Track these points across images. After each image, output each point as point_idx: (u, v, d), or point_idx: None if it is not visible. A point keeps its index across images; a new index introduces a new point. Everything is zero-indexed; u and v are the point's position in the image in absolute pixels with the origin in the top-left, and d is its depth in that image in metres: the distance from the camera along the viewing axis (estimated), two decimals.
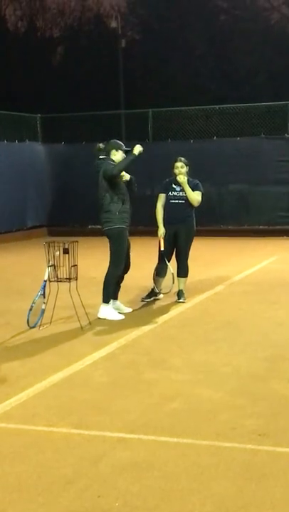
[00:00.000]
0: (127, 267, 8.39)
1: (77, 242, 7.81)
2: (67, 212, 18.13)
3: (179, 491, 3.88)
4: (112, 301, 8.24)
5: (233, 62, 33.48)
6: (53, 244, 7.82)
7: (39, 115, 18.90)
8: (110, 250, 8.28)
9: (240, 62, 33.33)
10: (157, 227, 9.07)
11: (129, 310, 8.48)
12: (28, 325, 7.65)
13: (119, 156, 8.15)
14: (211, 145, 17.09)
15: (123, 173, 8.21)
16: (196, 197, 8.93)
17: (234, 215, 17.28)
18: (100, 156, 8.24)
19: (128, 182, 8.30)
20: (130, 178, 8.33)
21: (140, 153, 8.15)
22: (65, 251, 7.77)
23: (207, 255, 13.20)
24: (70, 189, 17.96)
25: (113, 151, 8.18)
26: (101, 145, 8.36)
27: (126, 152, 8.25)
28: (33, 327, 7.66)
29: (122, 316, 8.14)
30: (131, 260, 8.46)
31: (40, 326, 7.70)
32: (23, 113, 18.86)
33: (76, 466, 4.20)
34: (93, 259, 12.69)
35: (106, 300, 8.17)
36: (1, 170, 16.60)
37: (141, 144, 8.27)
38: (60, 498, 3.81)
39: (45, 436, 4.70)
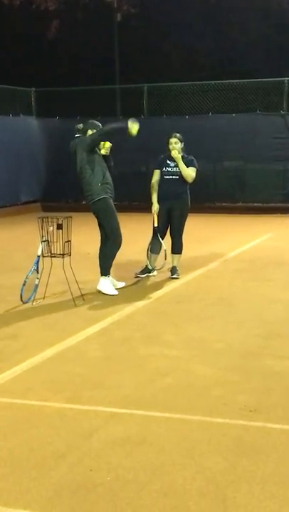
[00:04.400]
0: None
1: (70, 217, 7.78)
2: (61, 187, 18.05)
3: (170, 466, 3.90)
4: (103, 278, 8.20)
5: (230, 39, 33.19)
6: (47, 220, 7.79)
7: (33, 89, 18.76)
8: (102, 225, 8.24)
9: (237, 39, 33.05)
10: (151, 203, 9.05)
11: (123, 284, 8.49)
12: (22, 300, 7.65)
13: None
14: (207, 121, 17.00)
15: (105, 143, 8.12)
16: (190, 173, 8.89)
17: (229, 192, 17.25)
18: (76, 135, 8.25)
19: (104, 158, 8.21)
20: (107, 153, 8.21)
21: (132, 133, 8.01)
22: (59, 226, 7.74)
23: (201, 232, 13.20)
24: (64, 164, 17.75)
25: (89, 131, 8.18)
26: (80, 125, 8.37)
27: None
28: (27, 302, 7.66)
29: (116, 292, 8.14)
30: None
31: (33, 301, 7.69)
32: (18, 87, 18.69)
33: (68, 441, 4.22)
34: (87, 234, 12.66)
35: (105, 273, 8.14)
36: None
37: (136, 121, 8.07)
38: (52, 472, 3.83)
39: (38, 411, 4.71)
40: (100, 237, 8.41)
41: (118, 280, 8.55)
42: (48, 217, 7.82)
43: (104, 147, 8.21)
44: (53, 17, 41.58)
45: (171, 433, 4.33)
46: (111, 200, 8.16)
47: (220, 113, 17.20)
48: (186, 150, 9.15)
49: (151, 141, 15.79)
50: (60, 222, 7.75)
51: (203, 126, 16.78)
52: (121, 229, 8.26)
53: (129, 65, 31.07)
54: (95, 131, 8.15)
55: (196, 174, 8.99)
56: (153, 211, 9.02)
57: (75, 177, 19.17)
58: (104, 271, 8.16)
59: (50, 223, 7.83)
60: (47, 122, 18.31)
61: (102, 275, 8.17)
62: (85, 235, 12.06)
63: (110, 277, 8.24)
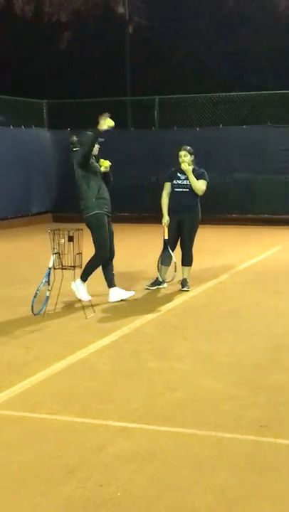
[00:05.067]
0: (111, 254, 8.35)
1: (81, 230, 7.82)
2: (73, 198, 17.96)
3: (180, 482, 3.90)
4: (82, 286, 8.17)
5: (241, 51, 33.29)
6: (58, 232, 7.83)
7: (45, 101, 18.85)
8: (92, 239, 8.25)
9: (248, 50, 33.14)
10: (162, 215, 9.08)
11: (132, 293, 8.50)
12: (33, 312, 7.67)
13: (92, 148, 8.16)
14: (217, 133, 17.03)
15: (104, 162, 8.26)
16: (200, 186, 8.92)
17: (239, 204, 17.25)
18: (74, 149, 8.32)
19: (104, 174, 8.33)
20: (107, 171, 8.34)
21: (103, 128, 8.06)
22: (70, 239, 7.79)
23: (212, 244, 13.20)
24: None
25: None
26: (74, 138, 8.45)
27: (100, 144, 8.36)
28: (38, 314, 7.68)
29: (89, 297, 8.10)
30: (115, 248, 8.42)
31: (44, 313, 7.72)
32: (30, 99, 18.81)
33: (78, 455, 4.23)
34: None
35: (83, 278, 8.16)
36: (7, 156, 16.58)
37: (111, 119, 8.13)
38: (62, 487, 3.84)
39: (48, 425, 4.72)
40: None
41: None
42: (59, 230, 7.86)
43: (103, 165, 8.30)
44: (64, 29, 41.89)
45: (180, 448, 4.33)
46: (104, 216, 8.21)
47: (230, 125, 17.24)
48: (197, 162, 9.18)
49: (162, 152, 15.85)
50: (71, 234, 7.79)
51: (214, 138, 16.81)
52: (108, 245, 8.24)
53: (140, 77, 31.20)
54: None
55: (207, 187, 9.01)
56: (163, 223, 9.04)
57: None
58: (83, 276, 8.15)
59: (61, 235, 7.87)
60: (59, 134, 18.37)
61: (80, 277, 8.16)
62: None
63: (112, 289, 8.28)
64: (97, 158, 8.37)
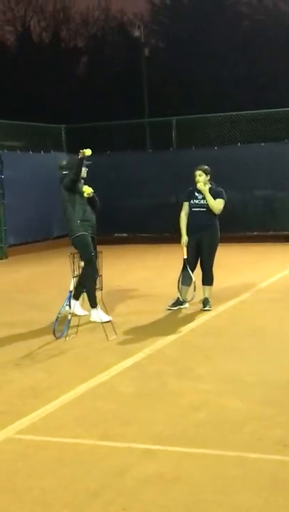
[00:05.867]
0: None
1: (101, 252, 7.84)
2: None
3: (204, 503, 3.87)
4: (77, 303, 8.32)
5: (257, 68, 33.40)
6: (78, 255, 7.86)
7: (64, 125, 19.02)
8: (81, 258, 8.29)
9: (264, 68, 33.24)
10: (181, 235, 9.08)
11: (86, 313, 8.45)
12: (54, 336, 7.69)
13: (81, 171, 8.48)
14: (235, 151, 17.04)
15: (86, 189, 8.49)
16: (217, 205, 8.91)
17: (259, 221, 17.19)
18: (64, 172, 8.64)
19: (89, 199, 8.53)
20: (92, 195, 8.53)
21: (86, 154, 8.36)
22: None
23: (232, 262, 13.16)
24: None
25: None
26: (63, 162, 8.90)
27: (88, 167, 8.70)
28: (60, 338, 7.69)
29: (109, 317, 8.12)
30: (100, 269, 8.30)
31: (66, 336, 7.72)
32: (48, 124, 18.99)
33: (101, 479, 4.20)
34: (118, 268, 12.74)
35: (93, 305, 8.27)
36: (27, 180, 16.72)
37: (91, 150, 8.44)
38: (86, 511, 3.82)
39: (71, 449, 4.71)
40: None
41: (149, 315, 8.52)
42: (79, 253, 7.88)
43: (85, 192, 8.49)
44: (81, 54, 42.36)
45: (204, 470, 4.29)
46: (88, 237, 8.42)
47: (249, 143, 17.25)
48: (216, 180, 9.18)
49: (181, 173, 15.86)
50: None
51: (233, 156, 16.82)
52: (94, 262, 8.28)
53: (157, 98, 31.39)
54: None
55: (225, 205, 9.00)
56: (182, 243, 9.05)
57: (105, 210, 19.30)
58: (92, 303, 8.28)
59: (81, 259, 7.89)
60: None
61: (91, 308, 8.30)
62: (116, 268, 12.14)
63: (73, 302, 8.25)
64: (85, 181, 8.64)
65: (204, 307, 8.96)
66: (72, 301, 8.20)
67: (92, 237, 8.48)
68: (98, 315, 8.16)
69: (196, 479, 4.16)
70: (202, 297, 9.07)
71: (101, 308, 8.21)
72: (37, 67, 36.17)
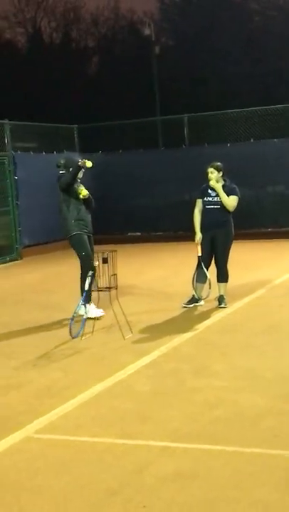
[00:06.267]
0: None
1: (115, 251, 7.86)
2: (106, 220, 18.18)
3: (223, 500, 3.87)
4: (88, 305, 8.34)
5: (269, 64, 33.29)
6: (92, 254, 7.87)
7: (76, 125, 19.05)
8: (78, 257, 8.67)
9: (275, 64, 33.13)
10: (195, 232, 9.08)
11: (102, 313, 8.47)
12: (71, 335, 7.71)
13: None
14: (248, 147, 16.98)
15: (82, 190, 8.68)
16: (231, 202, 8.89)
17: (273, 218, 17.12)
18: (61, 172, 8.85)
19: (85, 200, 8.74)
20: (88, 196, 8.74)
21: (87, 166, 8.59)
22: (104, 260, 7.83)
23: (247, 259, 13.12)
24: (109, 198, 18.05)
25: (71, 169, 8.71)
26: (61, 161, 9.02)
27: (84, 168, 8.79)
28: (76, 337, 7.71)
29: (101, 311, 8.36)
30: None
31: (82, 336, 7.74)
32: (60, 124, 19.02)
33: (120, 477, 4.22)
34: (133, 267, 12.75)
35: (87, 300, 8.30)
36: (40, 181, 16.73)
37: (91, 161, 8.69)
38: (105, 510, 3.83)
39: (89, 447, 4.73)
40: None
41: (168, 312, 8.54)
42: (93, 252, 7.90)
43: (81, 194, 8.68)
44: (92, 53, 42.43)
45: (223, 466, 4.30)
46: (84, 236, 8.67)
47: (261, 139, 17.19)
48: (229, 177, 9.16)
49: (194, 170, 15.82)
50: (105, 256, 7.83)
51: (245, 152, 16.76)
52: (92, 259, 8.35)
53: (169, 96, 31.38)
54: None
55: (239, 202, 8.98)
56: (196, 240, 9.04)
57: (119, 210, 19.28)
58: (86, 299, 8.28)
59: (95, 257, 7.91)
60: (90, 157, 18.42)
61: (86, 303, 8.29)
62: (130, 267, 12.15)
63: (92, 304, 8.41)
64: (81, 182, 8.85)
65: (220, 304, 8.95)
66: (87, 308, 8.23)
67: (88, 235, 8.70)
68: (90, 311, 8.25)
69: (214, 476, 4.17)
70: (217, 294, 9.06)
71: (116, 308, 8.22)
72: (48, 67, 36.27)
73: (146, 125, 20.36)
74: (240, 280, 10.50)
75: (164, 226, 17.46)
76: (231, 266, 9.22)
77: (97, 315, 8.34)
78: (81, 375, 6.41)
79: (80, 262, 8.65)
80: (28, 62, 37.57)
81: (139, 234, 17.93)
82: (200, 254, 9.01)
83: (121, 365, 6.57)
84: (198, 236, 9.01)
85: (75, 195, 8.68)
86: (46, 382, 6.23)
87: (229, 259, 9.15)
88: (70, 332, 7.72)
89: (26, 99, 33.21)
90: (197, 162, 14.93)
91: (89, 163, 8.57)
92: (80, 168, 8.59)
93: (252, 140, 17.12)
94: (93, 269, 8.04)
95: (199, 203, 9.09)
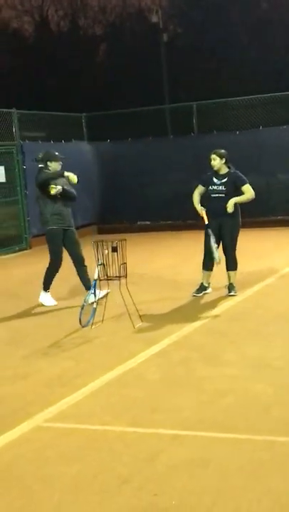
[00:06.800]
0: (80, 259, 9.04)
1: (125, 240, 7.84)
2: (116, 209, 18.18)
3: (234, 488, 3.87)
4: (43, 292, 9.07)
5: (276, 51, 33.08)
6: (102, 243, 7.87)
7: (84, 114, 19.00)
8: (48, 250, 9.16)
9: (284, 50, 32.91)
10: (197, 211, 9.01)
11: (55, 303, 9.05)
12: (80, 324, 7.72)
13: (54, 165, 9.05)
14: (257, 135, 16.89)
15: (52, 188, 8.84)
16: (249, 196, 8.84)
17: (283, 205, 17.05)
18: (40, 165, 9.15)
19: (62, 193, 8.93)
20: (59, 192, 8.88)
21: (57, 191, 8.87)
22: (114, 249, 7.82)
23: (257, 247, 13.09)
24: (118, 186, 18.03)
25: (48, 162, 9.09)
26: (40, 155, 9.31)
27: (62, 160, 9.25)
28: (85, 326, 7.72)
29: (55, 302, 9.02)
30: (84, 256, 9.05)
31: (92, 324, 7.75)
32: (69, 113, 18.97)
33: (131, 465, 4.23)
34: (142, 255, 12.74)
35: (45, 288, 9.08)
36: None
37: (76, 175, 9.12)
38: (116, 498, 3.84)
39: (100, 436, 4.74)
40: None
41: (175, 301, 8.53)
42: (102, 241, 7.89)
43: (51, 192, 8.85)
44: (100, 41, 42.25)
45: (234, 454, 4.30)
46: (58, 230, 8.94)
47: (270, 126, 17.09)
48: (239, 164, 9.10)
49: (202, 158, 15.74)
50: (114, 244, 7.82)
51: (254, 140, 16.69)
52: (60, 255, 9.02)
53: (177, 84, 31.26)
54: (53, 162, 9.04)
55: (251, 187, 8.92)
56: (199, 211, 8.96)
57: (128, 198, 19.24)
58: (44, 286, 9.10)
59: (105, 246, 7.91)
60: (98, 146, 18.50)
61: (43, 289, 9.08)
62: (140, 255, 12.13)
63: (48, 292, 9.10)
64: (64, 169, 9.17)
65: (230, 293, 8.93)
66: (44, 295, 9.03)
67: (65, 229, 8.96)
68: (46, 299, 9.03)
69: (225, 464, 4.17)
70: (227, 283, 9.04)
71: (125, 297, 8.22)
72: (56, 56, 36.16)
73: (155, 113, 20.28)
74: (250, 268, 10.47)
75: (173, 215, 17.42)
76: (241, 254, 9.20)
77: (52, 303, 8.98)
78: (92, 363, 6.42)
79: (50, 256, 9.09)
80: (35, 51, 37.46)
81: (148, 223, 17.90)
82: (207, 223, 8.92)
83: (131, 353, 6.57)
84: (199, 208, 8.96)
85: (47, 194, 8.92)
86: (57, 371, 6.25)
87: (239, 247, 9.12)
88: (80, 321, 7.73)
89: (34, 88, 33.14)
90: (206, 150, 14.84)
91: (74, 179, 9.06)
92: (61, 175, 9.01)
93: (261, 127, 17.03)
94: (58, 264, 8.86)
95: (200, 187, 9.06)
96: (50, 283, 9.12)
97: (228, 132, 17.14)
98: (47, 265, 9.14)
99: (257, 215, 15.52)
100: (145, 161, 17.56)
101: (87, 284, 8.81)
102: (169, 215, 17.47)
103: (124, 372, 6.08)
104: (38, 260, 13.94)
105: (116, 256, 7.82)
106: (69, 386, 5.76)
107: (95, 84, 34.92)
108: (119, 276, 7.85)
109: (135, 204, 17.78)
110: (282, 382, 5.52)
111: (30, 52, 37.31)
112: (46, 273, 9.12)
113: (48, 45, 37.59)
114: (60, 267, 9.10)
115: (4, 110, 15.95)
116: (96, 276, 8.05)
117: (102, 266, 7.93)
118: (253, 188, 8.99)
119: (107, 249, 7.89)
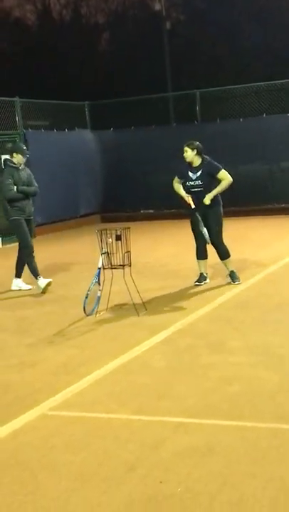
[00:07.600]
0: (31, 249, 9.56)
1: (129, 228, 7.83)
2: (119, 198, 18.17)
3: (240, 475, 3.88)
4: (15, 279, 9.66)
5: (280, 38, 32.88)
6: (106, 232, 7.86)
7: (87, 102, 18.95)
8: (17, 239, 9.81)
9: (287, 38, 32.70)
10: (181, 197, 8.97)
11: (30, 287, 9.53)
12: (85, 312, 7.72)
13: (18, 158, 9.43)
14: (261, 122, 16.83)
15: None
16: (226, 182, 8.77)
17: (286, 193, 17.01)
18: (4, 157, 9.68)
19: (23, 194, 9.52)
20: (23, 192, 9.47)
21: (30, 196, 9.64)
22: (118, 238, 7.80)
23: (259, 235, 13.06)
24: (121, 175, 18.00)
25: (14, 154, 9.49)
26: (9, 145, 9.90)
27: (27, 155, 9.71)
28: (90, 315, 7.73)
29: (29, 286, 9.52)
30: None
31: (96, 313, 7.76)
32: (72, 101, 18.93)
33: (137, 453, 4.23)
34: (146, 244, 12.74)
35: (18, 275, 9.68)
36: (52, 159, 16.71)
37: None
38: (122, 485, 3.85)
39: (105, 424, 4.75)
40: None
41: (177, 286, 8.53)
42: (106, 229, 7.88)
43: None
44: (102, 30, 42.03)
45: (239, 441, 4.30)
46: (21, 220, 9.45)
47: (274, 113, 17.03)
48: (244, 152, 9.05)
49: (205, 146, 15.69)
50: (118, 233, 7.81)
51: (258, 127, 16.63)
52: (29, 241, 9.45)
53: (180, 72, 31.12)
54: (19, 154, 9.39)
55: (249, 177, 8.87)
56: (185, 197, 8.92)
57: (132, 187, 19.25)
58: (17, 274, 9.68)
59: (108, 235, 7.90)
60: (102, 134, 18.46)
61: (34, 277, 9.42)
62: (143, 244, 12.13)
63: (15, 279, 9.66)
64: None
65: (233, 281, 8.91)
66: (17, 282, 9.61)
67: (26, 219, 9.47)
68: (20, 285, 9.58)
69: (230, 451, 4.17)
70: (227, 272, 9.01)
71: (129, 286, 8.22)
72: (58, 44, 36.02)
73: (158, 101, 20.22)
74: (253, 256, 10.47)
75: (176, 203, 17.37)
76: (244, 242, 9.21)
77: (26, 287, 9.50)
78: (97, 351, 6.43)
79: (19, 243, 9.64)
80: (38, 40, 37.31)
81: (151, 211, 17.88)
82: (193, 207, 8.87)
83: (136, 341, 6.58)
84: (184, 194, 8.92)
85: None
86: (62, 359, 6.25)
87: (241, 235, 9.10)
88: (85, 309, 7.73)
89: (37, 76, 33.02)
90: (209, 138, 14.83)
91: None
92: (27, 194, 9.52)
93: (264, 115, 16.97)
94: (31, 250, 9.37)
95: (177, 179, 9.02)
96: (22, 270, 9.69)
97: (231, 120, 17.09)
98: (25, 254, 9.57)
99: (260, 203, 15.48)
100: (148, 150, 17.53)
101: (36, 272, 9.38)
102: (173, 204, 17.43)
103: (129, 360, 6.08)
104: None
105: (120, 244, 7.82)
106: (74, 374, 5.77)
107: (98, 73, 34.78)
108: (123, 265, 7.84)
109: (138, 192, 17.77)
110: (288, 370, 5.52)
111: (33, 41, 37.15)
112: (18, 260, 9.69)
113: (50, 34, 37.42)
114: (29, 252, 9.48)
115: (7, 99, 15.93)
116: (100, 265, 8.05)
117: (106, 254, 7.93)
118: (256, 176, 8.95)
119: (111, 237, 7.88)
